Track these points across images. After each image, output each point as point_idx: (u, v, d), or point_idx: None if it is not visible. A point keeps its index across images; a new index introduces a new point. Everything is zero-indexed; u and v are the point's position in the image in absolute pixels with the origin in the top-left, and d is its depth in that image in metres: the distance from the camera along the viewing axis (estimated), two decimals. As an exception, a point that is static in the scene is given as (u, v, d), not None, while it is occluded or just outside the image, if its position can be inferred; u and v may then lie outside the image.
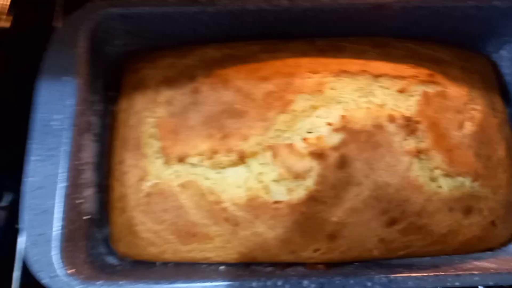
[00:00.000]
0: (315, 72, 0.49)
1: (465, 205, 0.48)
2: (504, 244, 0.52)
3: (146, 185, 0.49)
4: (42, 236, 0.44)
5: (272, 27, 0.55)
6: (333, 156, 0.44)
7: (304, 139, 0.45)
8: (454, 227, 0.48)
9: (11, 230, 0.69)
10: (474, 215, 0.49)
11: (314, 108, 0.47)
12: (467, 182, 0.48)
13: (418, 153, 0.45)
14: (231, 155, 0.46)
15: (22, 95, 0.70)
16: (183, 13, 0.53)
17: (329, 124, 0.45)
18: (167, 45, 0.58)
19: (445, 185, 0.47)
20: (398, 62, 0.52)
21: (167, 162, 0.49)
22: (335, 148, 0.44)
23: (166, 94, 0.52)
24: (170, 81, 0.53)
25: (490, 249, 0.52)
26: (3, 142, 0.69)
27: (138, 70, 0.56)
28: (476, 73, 0.54)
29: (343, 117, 0.45)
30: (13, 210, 0.70)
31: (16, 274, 0.57)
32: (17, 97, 0.70)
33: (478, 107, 0.51)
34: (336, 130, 0.45)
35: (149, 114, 0.52)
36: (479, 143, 0.49)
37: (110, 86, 0.57)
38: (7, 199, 0.72)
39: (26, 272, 0.57)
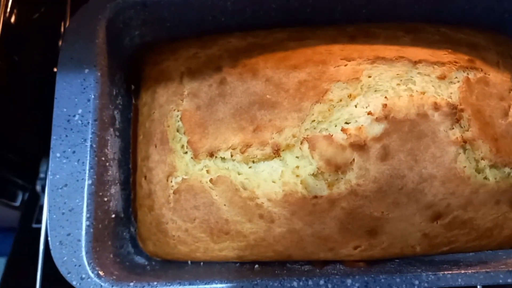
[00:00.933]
0: (349, 59, 0.47)
1: (512, 196, 0.46)
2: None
3: (175, 181, 0.47)
4: (70, 236, 0.42)
5: (297, 13, 0.53)
6: (375, 148, 0.42)
7: (344, 130, 0.42)
8: (500, 221, 0.46)
9: (26, 230, 0.68)
10: (521, 207, 0.46)
11: (351, 97, 0.44)
12: (514, 172, 0.45)
13: (464, 143, 0.43)
14: (265, 148, 0.43)
15: (31, 93, 0.69)
16: (203, 1, 0.51)
17: (370, 113, 0.42)
18: (186, 35, 0.55)
19: (492, 176, 0.44)
20: (434, 47, 0.49)
21: (196, 157, 0.46)
22: (377, 139, 0.42)
23: (190, 86, 0.49)
24: (194, 73, 0.50)
25: (535, 243, 0.50)
26: (14, 142, 0.67)
27: (159, 62, 0.53)
28: (515, 58, 0.52)
29: (384, 105, 0.42)
30: (27, 210, 0.69)
31: (39, 274, 0.56)
32: (26, 97, 0.69)
33: (522, 94, 0.48)
34: (378, 119, 0.42)
35: (174, 107, 0.49)
36: (525, 131, 0.46)
37: (129, 79, 0.55)
38: (20, 198, 0.71)
39: (47, 272, 0.56)
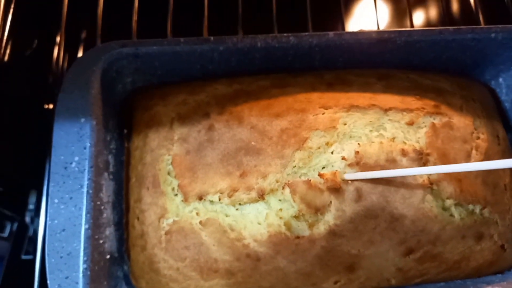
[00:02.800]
0: (326, 107, 0.51)
1: (476, 231, 0.50)
2: (513, 267, 0.54)
3: (166, 223, 0.50)
4: (68, 279, 0.45)
5: (279, 62, 0.57)
6: (349, 190, 0.46)
7: (320, 175, 0.46)
8: (467, 254, 0.50)
9: (16, 261, 0.69)
10: (485, 240, 0.50)
11: (328, 144, 0.48)
12: (477, 209, 0.50)
13: (431, 185, 0.47)
14: (251, 193, 0.47)
15: (21, 128, 0.72)
16: (192, 52, 0.54)
17: (344, 158, 0.47)
18: (176, 81, 0.59)
19: (457, 214, 0.49)
20: (404, 94, 0.54)
21: (186, 200, 0.49)
22: (351, 183, 0.46)
23: (180, 131, 0.53)
24: (184, 118, 0.54)
25: (501, 272, 0.54)
26: (3, 174, 0.69)
27: (149, 107, 0.57)
28: (477, 101, 0.57)
29: (357, 152, 0.47)
30: (16, 241, 0.71)
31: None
32: (16, 130, 0.71)
33: (483, 136, 0.53)
34: (351, 165, 0.46)
35: (165, 151, 0.53)
36: (486, 171, 0.51)
37: (122, 123, 0.58)
38: (8, 229, 0.73)
39: None
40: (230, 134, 0.51)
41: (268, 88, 0.55)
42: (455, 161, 0.50)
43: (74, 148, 0.50)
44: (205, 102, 0.55)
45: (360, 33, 0.54)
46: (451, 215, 0.49)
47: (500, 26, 0.55)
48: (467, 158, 0.51)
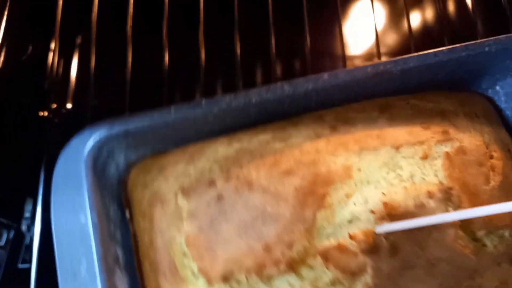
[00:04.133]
0: (336, 155, 0.49)
1: (510, 254, 0.49)
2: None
3: (193, 310, 0.47)
4: None
5: (275, 110, 0.54)
6: (384, 247, 0.44)
7: (352, 237, 0.44)
8: (505, 278, 0.49)
9: (12, 270, 0.67)
10: (519, 261, 0.49)
11: (348, 196, 0.46)
12: (506, 233, 0.49)
13: (461, 221, 0.46)
14: (280, 266, 0.44)
15: (15, 134, 0.70)
16: (184, 119, 0.51)
17: (372, 212, 0.44)
18: (169, 148, 0.56)
19: (489, 243, 0.47)
20: (410, 124, 0.52)
21: (210, 283, 0.46)
22: (385, 237, 0.44)
23: (188, 206, 0.50)
24: (189, 191, 0.50)
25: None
26: None
27: (148, 183, 0.53)
28: (480, 116, 0.56)
29: (385, 204, 0.44)
30: (12, 249, 0.69)
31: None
32: (10, 137, 0.71)
33: (496, 154, 0.52)
34: (381, 217, 0.44)
35: (176, 232, 0.49)
36: (507, 191, 0.50)
37: (121, 206, 0.54)
38: (5, 237, 0.70)
39: None
40: (242, 202, 0.48)
41: (271, 143, 0.52)
42: (475, 188, 0.48)
43: (79, 253, 0.45)
44: (208, 169, 0.51)
45: (356, 69, 0.52)
46: (484, 245, 0.47)
47: (492, 38, 0.54)
48: (487, 182, 0.49)
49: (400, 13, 0.84)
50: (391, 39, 0.86)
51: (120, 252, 0.50)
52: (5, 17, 0.70)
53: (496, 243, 0.48)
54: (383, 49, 0.84)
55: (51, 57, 0.76)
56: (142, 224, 0.52)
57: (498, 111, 0.60)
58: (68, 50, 0.79)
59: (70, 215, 0.46)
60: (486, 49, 0.54)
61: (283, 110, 0.55)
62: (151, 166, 0.54)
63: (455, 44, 0.54)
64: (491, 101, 0.60)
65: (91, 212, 0.46)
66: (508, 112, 0.59)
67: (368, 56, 0.86)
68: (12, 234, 0.69)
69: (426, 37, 0.87)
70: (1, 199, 0.69)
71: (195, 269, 0.47)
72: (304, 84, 0.52)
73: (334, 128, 0.52)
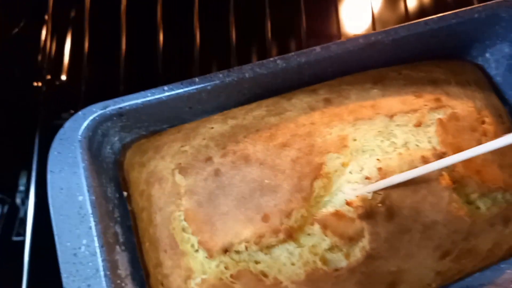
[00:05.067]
0: (331, 126, 0.49)
1: (503, 216, 0.50)
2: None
3: (194, 283, 0.47)
4: None
5: (269, 86, 0.55)
6: (380, 212, 0.44)
7: (348, 203, 0.44)
8: (498, 239, 0.50)
9: (6, 243, 0.69)
10: (512, 223, 0.50)
11: (344, 164, 0.47)
12: (499, 195, 0.50)
13: (454, 184, 0.46)
14: (279, 235, 0.45)
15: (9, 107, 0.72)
16: (178, 97, 0.51)
17: (368, 178, 0.45)
18: (166, 128, 0.56)
19: (482, 205, 0.48)
20: (403, 94, 0.53)
21: (210, 256, 0.47)
22: (380, 202, 0.44)
23: (186, 183, 0.50)
24: (186, 168, 0.51)
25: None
26: None
27: (145, 162, 0.53)
28: (472, 83, 0.56)
29: (380, 169, 0.45)
30: (7, 222, 0.71)
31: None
32: (4, 110, 0.72)
33: (487, 119, 0.53)
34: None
35: (174, 208, 0.49)
36: (499, 155, 0.51)
37: (119, 186, 0.55)
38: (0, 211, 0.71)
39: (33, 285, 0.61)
40: (240, 176, 0.48)
41: (266, 118, 0.52)
42: (469, 153, 0.49)
43: (79, 231, 0.46)
44: (204, 146, 0.51)
45: (348, 41, 0.52)
46: (477, 207, 0.48)
47: (481, 4, 0.54)
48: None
49: None
50: (387, 19, 0.86)
51: (119, 231, 0.50)
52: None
53: (489, 205, 0.49)
54: (379, 29, 0.85)
55: (45, 31, 0.77)
56: (141, 203, 0.52)
57: (489, 78, 0.60)
58: (62, 24, 0.80)
59: (68, 195, 0.47)
60: (476, 15, 0.54)
61: (277, 85, 0.55)
62: (147, 147, 0.54)
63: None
64: (481, 68, 0.61)
65: (88, 192, 0.47)
66: (498, 78, 0.60)
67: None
68: (6, 208, 0.71)
69: (422, 17, 0.88)
70: None
71: (195, 243, 0.47)
72: (297, 58, 0.52)
73: (328, 101, 0.52)
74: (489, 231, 0.49)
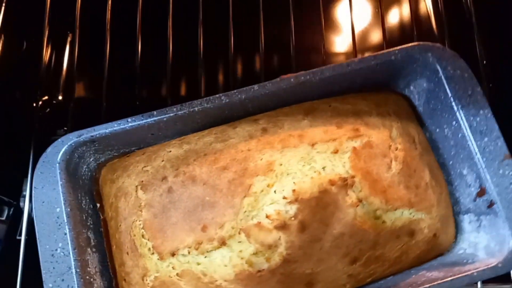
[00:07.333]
0: (263, 153, 0.59)
1: (408, 229, 0.59)
2: (449, 248, 0.63)
3: (149, 280, 0.58)
4: None
5: (218, 116, 0.65)
6: (293, 224, 0.54)
7: (268, 216, 0.54)
8: (405, 249, 0.59)
9: (12, 241, 0.81)
10: (418, 235, 0.60)
11: (270, 185, 0.57)
12: (405, 212, 0.59)
13: (360, 202, 0.56)
14: (213, 242, 0.55)
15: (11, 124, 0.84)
16: (140, 127, 0.61)
17: (285, 198, 0.55)
18: (133, 149, 0.67)
19: (388, 219, 0.58)
20: (327, 124, 0.62)
21: (161, 258, 0.57)
22: (294, 217, 0.54)
23: (145, 197, 0.61)
24: (146, 185, 0.62)
25: (441, 254, 0.64)
26: None
27: (115, 179, 0.64)
28: (392, 114, 0.66)
29: (293, 191, 0.55)
30: (12, 223, 0.83)
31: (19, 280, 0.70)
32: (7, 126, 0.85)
33: (400, 146, 0.62)
34: (291, 202, 0.55)
35: (136, 218, 0.60)
36: (406, 177, 0.60)
37: (93, 198, 0.66)
38: (6, 213, 0.83)
39: (26, 279, 0.71)
40: (187, 193, 0.59)
41: (213, 143, 0.62)
42: (378, 175, 0.59)
43: (56, 236, 0.57)
44: (162, 167, 0.62)
45: (281, 81, 0.62)
46: (383, 222, 0.58)
47: (397, 48, 0.64)
48: (388, 170, 0.60)
49: (376, 13, 0.99)
50: (368, 37, 0.99)
51: (92, 236, 0.62)
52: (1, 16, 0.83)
53: (394, 219, 0.58)
54: (360, 46, 0.97)
55: (44, 54, 0.87)
56: (110, 213, 0.64)
57: (413, 107, 0.70)
58: (59, 48, 0.92)
59: (48, 207, 0.58)
60: (392, 57, 0.63)
61: (225, 115, 0.65)
62: (117, 166, 0.66)
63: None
64: (408, 99, 0.70)
65: (64, 204, 0.58)
66: (420, 109, 0.69)
67: (348, 53, 0.98)
68: (12, 210, 0.83)
69: (399, 35, 1.00)
70: (2, 179, 0.82)
71: (151, 247, 0.58)
72: (238, 95, 0.62)
73: (265, 130, 0.63)
74: (394, 241, 0.59)
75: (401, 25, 1.01)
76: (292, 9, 0.91)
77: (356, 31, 0.93)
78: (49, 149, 0.60)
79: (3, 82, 0.86)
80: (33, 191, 0.59)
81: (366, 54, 0.97)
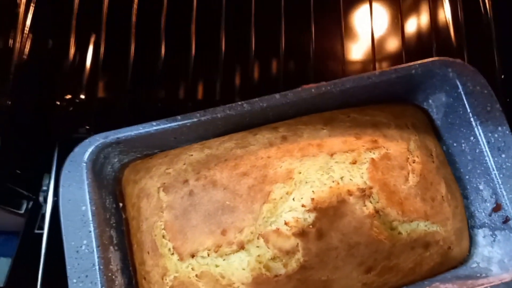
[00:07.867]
0: (283, 160, 0.61)
1: (423, 241, 0.60)
2: (463, 262, 0.64)
3: (169, 279, 0.60)
4: None
5: (239, 123, 0.67)
6: (311, 232, 0.56)
7: (286, 223, 0.56)
8: (419, 260, 0.61)
9: (30, 235, 0.84)
10: (432, 247, 0.61)
11: (288, 193, 0.58)
12: (420, 224, 0.60)
13: (377, 213, 0.57)
14: (232, 246, 0.57)
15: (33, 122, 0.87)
16: (164, 130, 0.64)
17: (303, 206, 0.57)
18: (156, 152, 0.69)
19: (403, 231, 0.59)
20: (346, 135, 0.63)
21: (181, 259, 0.59)
22: (312, 225, 0.56)
23: (167, 199, 0.63)
24: (168, 187, 0.64)
25: (454, 267, 0.65)
26: (20, 160, 0.85)
27: (138, 180, 0.66)
28: (410, 126, 0.67)
29: (312, 199, 0.57)
30: (30, 217, 0.86)
31: (40, 274, 0.73)
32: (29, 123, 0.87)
33: (417, 159, 0.63)
34: (309, 210, 0.56)
35: (157, 219, 0.62)
36: (423, 189, 0.61)
37: (116, 198, 0.68)
38: (24, 206, 0.87)
39: (47, 272, 0.74)
40: (207, 197, 0.61)
41: (234, 149, 0.64)
42: (395, 187, 0.60)
43: (81, 234, 0.59)
44: (183, 170, 0.64)
45: (302, 90, 0.64)
46: (399, 233, 0.59)
47: (418, 62, 0.65)
48: (406, 182, 0.61)
49: (395, 23, 1.00)
50: (386, 45, 1.00)
51: (114, 234, 0.64)
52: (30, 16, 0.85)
53: (410, 231, 0.59)
54: (379, 55, 0.98)
55: (70, 53, 0.91)
56: (132, 213, 0.66)
57: (431, 120, 0.71)
58: (83, 48, 0.95)
59: (74, 205, 0.60)
60: (413, 71, 0.65)
61: (246, 122, 0.67)
62: (140, 167, 0.68)
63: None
64: (426, 112, 0.71)
65: (90, 203, 0.60)
66: (438, 122, 0.70)
67: (366, 61, 0.99)
68: (31, 204, 0.86)
69: (418, 44, 1.01)
70: (22, 174, 0.84)
71: (171, 248, 0.60)
72: (260, 103, 0.64)
73: (284, 138, 0.64)
74: (409, 253, 0.60)
75: (419, 34, 1.01)
76: (313, 16, 0.93)
77: (375, 39, 0.94)
78: (76, 149, 0.63)
79: (30, 80, 0.90)
80: (60, 189, 0.61)
81: (384, 63, 0.98)
